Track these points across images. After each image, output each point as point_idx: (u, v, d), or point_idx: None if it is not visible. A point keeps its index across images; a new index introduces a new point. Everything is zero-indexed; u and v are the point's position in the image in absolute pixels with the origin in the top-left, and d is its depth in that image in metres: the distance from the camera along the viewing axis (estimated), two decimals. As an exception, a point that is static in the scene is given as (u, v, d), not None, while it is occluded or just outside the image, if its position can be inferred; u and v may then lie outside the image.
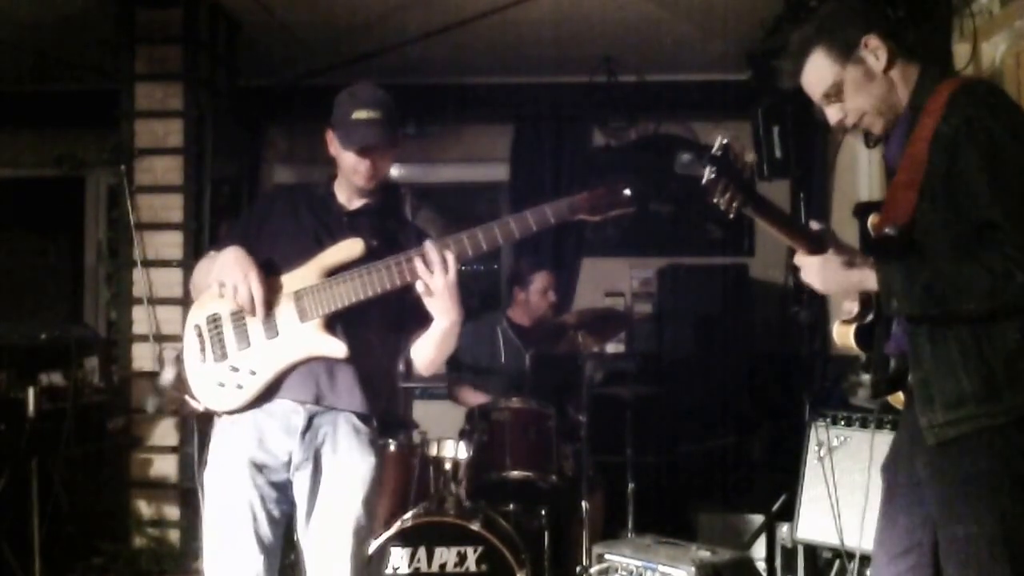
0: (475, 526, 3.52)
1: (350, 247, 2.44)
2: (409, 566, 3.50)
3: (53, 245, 5.24)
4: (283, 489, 2.44)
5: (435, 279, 2.34)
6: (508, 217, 2.40)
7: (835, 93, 2.04)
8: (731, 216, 2.00)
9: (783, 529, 3.76)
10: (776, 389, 4.84)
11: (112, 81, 4.75)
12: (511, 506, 3.87)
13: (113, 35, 4.66)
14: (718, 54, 5.25)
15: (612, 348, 5.76)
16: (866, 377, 4.20)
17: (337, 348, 2.38)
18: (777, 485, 4.09)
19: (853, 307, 2.08)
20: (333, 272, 2.42)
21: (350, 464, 2.43)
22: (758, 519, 3.93)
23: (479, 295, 6.33)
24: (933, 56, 2.16)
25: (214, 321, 2.45)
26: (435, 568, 3.50)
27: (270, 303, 2.39)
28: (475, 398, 4.34)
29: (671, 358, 5.51)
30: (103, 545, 4.41)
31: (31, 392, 3.89)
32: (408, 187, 6.23)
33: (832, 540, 3.38)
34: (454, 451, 3.93)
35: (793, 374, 4.13)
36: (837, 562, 3.52)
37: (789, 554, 3.76)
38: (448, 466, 3.82)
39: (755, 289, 5.60)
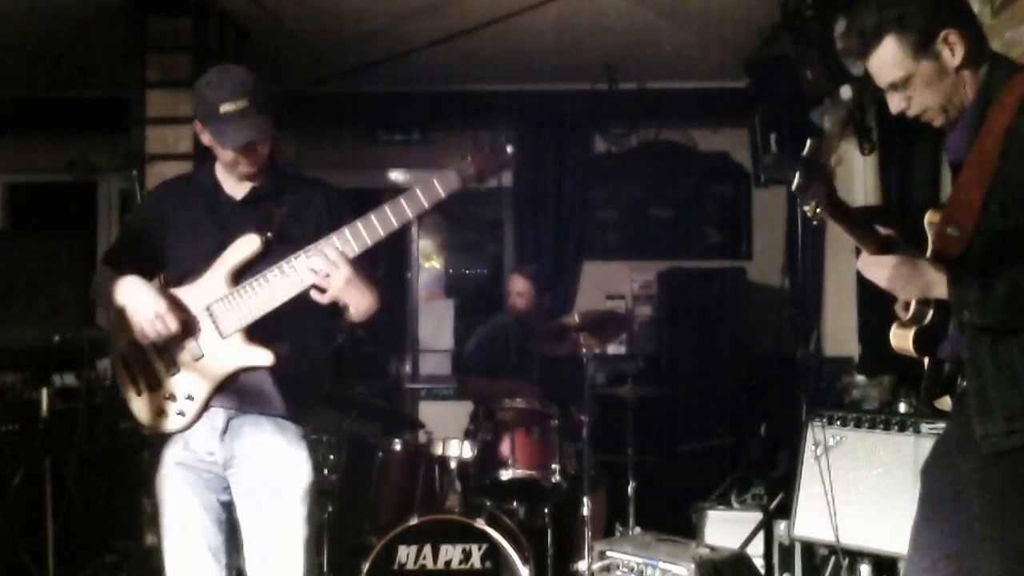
0: (480, 524, 3.57)
1: (247, 245, 2.38)
2: (415, 563, 3.54)
3: (66, 249, 5.25)
4: (214, 484, 2.46)
5: (332, 280, 2.27)
6: (400, 197, 2.28)
7: (903, 84, 1.94)
8: (815, 223, 1.88)
9: (781, 527, 3.78)
10: (773, 390, 4.89)
11: (123, 88, 4.75)
12: (515, 504, 3.93)
13: (124, 43, 4.67)
14: (716, 62, 5.29)
15: (613, 350, 5.83)
16: (860, 378, 4.29)
17: (263, 357, 2.36)
18: (775, 484, 4.17)
19: (907, 311, 1.99)
20: (238, 274, 2.38)
21: (280, 463, 2.43)
22: (756, 517, 3.98)
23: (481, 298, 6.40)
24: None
25: (136, 350, 2.43)
26: (440, 565, 3.54)
27: (187, 324, 2.37)
28: (490, 393, 4.38)
29: (671, 359, 5.56)
30: (116, 543, 4.42)
31: (45, 393, 3.90)
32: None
33: (828, 537, 3.41)
34: (459, 450, 3.98)
35: (790, 375, 4.18)
36: (833, 559, 3.58)
37: (786, 551, 3.79)
38: (453, 465, 3.88)
39: (753, 292, 5.65)
